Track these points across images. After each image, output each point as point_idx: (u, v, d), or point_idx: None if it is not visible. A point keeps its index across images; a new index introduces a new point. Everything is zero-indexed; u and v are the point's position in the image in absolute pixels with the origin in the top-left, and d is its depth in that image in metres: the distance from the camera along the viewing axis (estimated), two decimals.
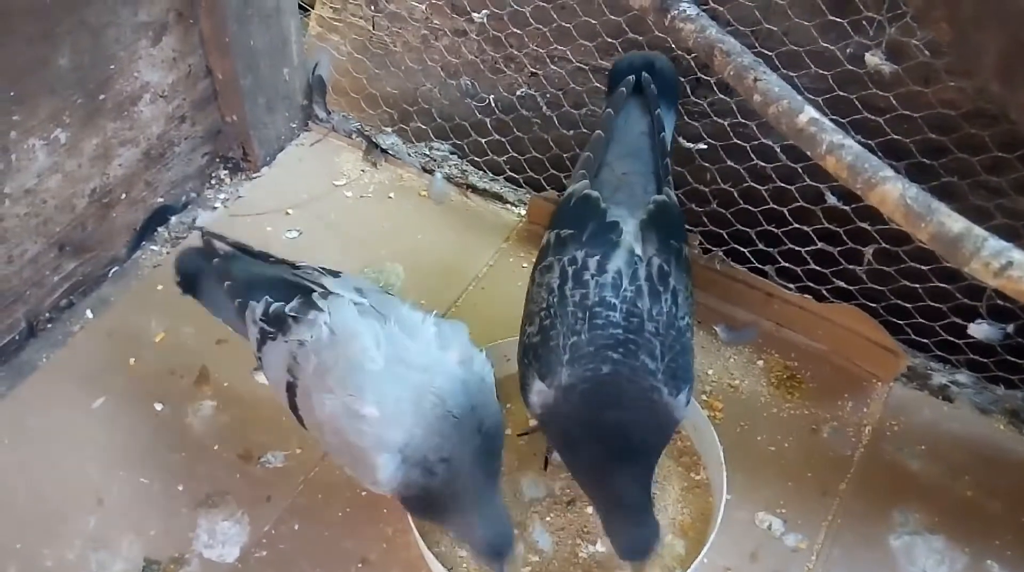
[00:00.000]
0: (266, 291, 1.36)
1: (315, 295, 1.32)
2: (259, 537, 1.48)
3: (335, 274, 1.39)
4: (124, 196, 1.83)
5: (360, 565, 1.45)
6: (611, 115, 1.47)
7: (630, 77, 1.48)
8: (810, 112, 1.07)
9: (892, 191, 0.99)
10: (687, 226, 1.79)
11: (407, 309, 1.30)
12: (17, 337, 1.72)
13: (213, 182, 2.02)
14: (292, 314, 1.31)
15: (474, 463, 1.22)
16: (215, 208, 1.98)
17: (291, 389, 1.32)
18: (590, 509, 1.47)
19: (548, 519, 1.46)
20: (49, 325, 1.76)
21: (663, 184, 1.42)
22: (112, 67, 1.68)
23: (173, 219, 1.95)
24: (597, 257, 1.33)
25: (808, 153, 1.07)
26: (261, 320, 1.34)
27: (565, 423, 1.30)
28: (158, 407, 1.63)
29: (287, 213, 1.95)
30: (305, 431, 1.36)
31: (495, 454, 1.27)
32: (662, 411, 1.28)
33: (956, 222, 0.96)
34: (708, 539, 1.37)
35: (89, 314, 1.78)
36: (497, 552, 1.25)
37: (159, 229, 1.93)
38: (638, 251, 1.34)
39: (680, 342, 1.32)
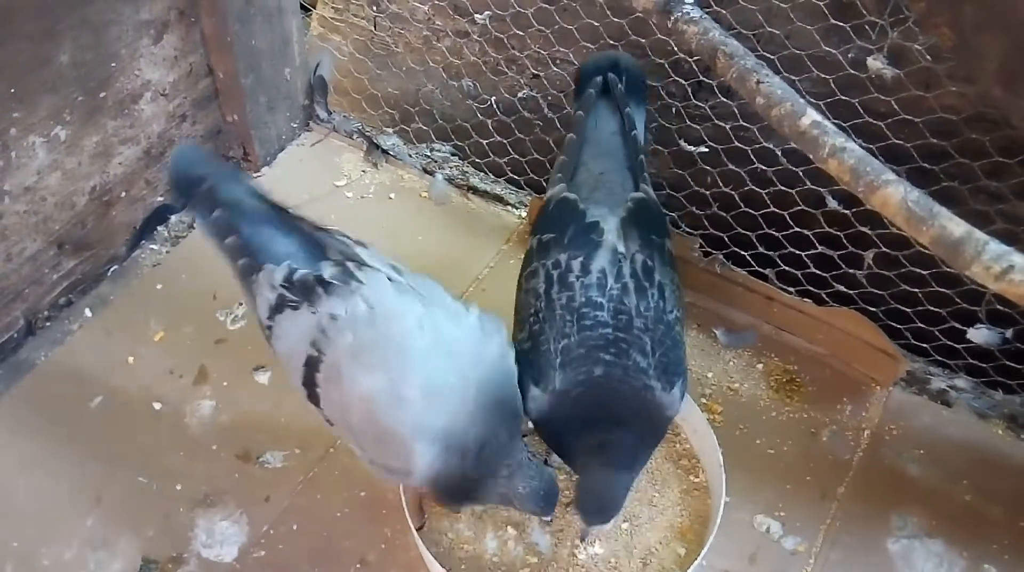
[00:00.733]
0: (281, 245, 1.26)
1: (351, 265, 1.24)
2: (258, 537, 1.47)
3: (363, 245, 1.30)
4: (124, 194, 1.83)
5: (359, 565, 1.44)
6: (582, 117, 1.48)
7: (597, 78, 1.49)
8: (812, 115, 1.07)
9: (894, 194, 1.00)
10: (687, 229, 1.80)
11: (449, 296, 1.27)
12: (16, 335, 1.71)
13: None
14: (330, 281, 1.22)
15: (506, 444, 1.22)
16: None
17: (312, 363, 1.23)
18: None
19: (547, 520, 1.46)
20: (48, 323, 1.76)
21: (640, 180, 1.43)
22: (113, 65, 1.68)
23: (173, 218, 1.94)
24: (580, 258, 1.34)
25: (810, 156, 1.07)
26: (282, 286, 1.24)
27: (560, 427, 1.31)
28: (157, 406, 1.63)
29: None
30: (307, 415, 1.29)
31: (518, 432, 1.27)
32: (655, 408, 1.29)
33: (958, 226, 0.97)
34: (707, 541, 1.37)
35: (88, 313, 1.78)
36: (548, 500, 1.26)
37: (159, 228, 1.92)
38: (621, 249, 1.35)
39: (670, 336, 1.32)
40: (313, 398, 1.27)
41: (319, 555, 1.45)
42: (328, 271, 1.24)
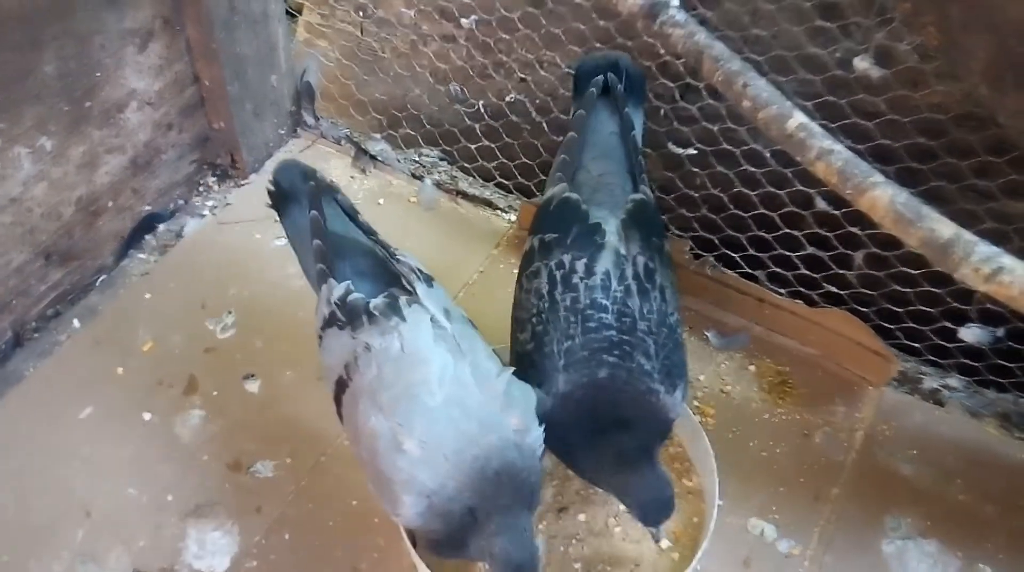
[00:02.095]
0: (352, 267, 1.29)
1: (403, 300, 1.25)
2: (249, 547, 1.46)
3: (429, 282, 1.31)
4: (111, 204, 1.81)
5: None
6: (583, 116, 1.46)
7: (598, 77, 1.48)
8: (799, 117, 1.07)
9: (882, 196, 0.99)
10: (677, 231, 1.80)
11: (485, 355, 1.25)
12: (3, 347, 1.70)
13: (201, 189, 2.01)
14: (373, 312, 1.23)
15: (500, 508, 1.18)
16: (203, 215, 1.96)
17: (341, 385, 1.26)
18: (582, 516, 1.46)
19: (540, 526, 1.45)
20: (35, 335, 1.74)
21: (639, 182, 1.42)
22: (98, 74, 1.67)
23: (161, 227, 1.93)
24: (584, 260, 1.33)
25: (798, 158, 1.07)
26: (336, 304, 1.27)
27: (564, 430, 1.29)
28: (146, 417, 1.62)
29: (276, 220, 1.91)
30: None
31: (528, 508, 1.22)
32: (660, 411, 1.29)
33: (946, 227, 0.96)
34: (701, 546, 1.36)
35: (76, 323, 1.77)
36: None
37: (146, 237, 1.91)
38: (623, 251, 1.34)
39: (672, 339, 1.32)
40: (339, 416, 1.31)
41: (311, 565, 1.45)
42: (375, 302, 1.26)
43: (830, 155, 1.04)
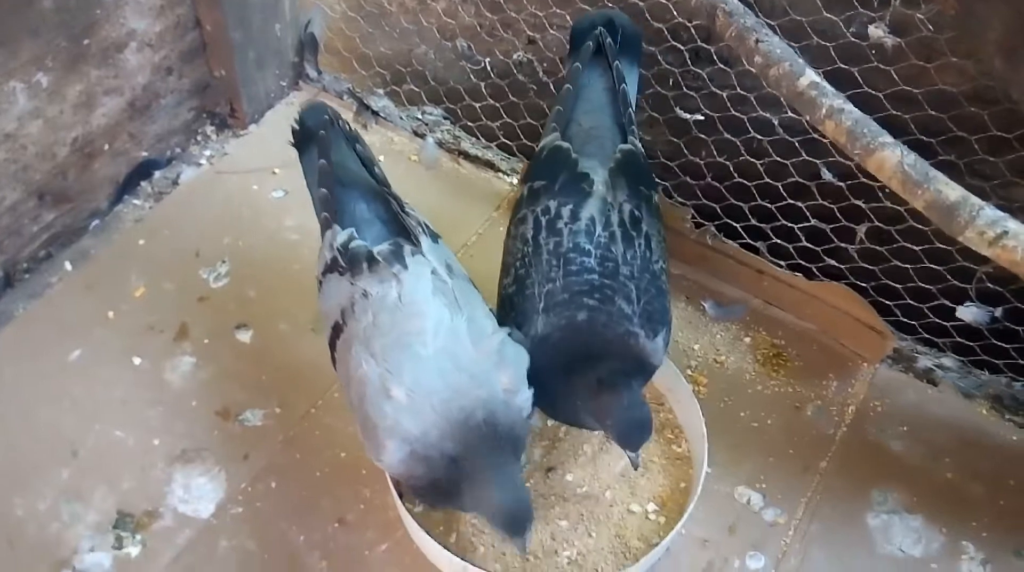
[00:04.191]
0: (362, 214, 1.30)
1: (407, 249, 1.25)
2: (235, 494, 1.46)
3: (435, 238, 1.32)
4: (107, 147, 1.79)
5: (337, 525, 1.43)
6: (579, 69, 1.47)
7: (596, 31, 1.48)
8: (811, 75, 1.05)
9: (890, 157, 0.98)
10: (680, 199, 1.78)
11: (483, 313, 1.26)
12: None
13: (199, 138, 1.98)
14: (376, 257, 1.24)
15: (486, 458, 1.18)
16: (200, 164, 1.94)
17: (336, 330, 1.27)
18: (570, 477, 1.46)
19: (527, 484, 1.44)
20: (27, 276, 1.73)
21: (628, 134, 1.42)
22: (98, 12, 1.64)
23: (157, 174, 1.91)
24: (570, 206, 1.34)
25: (807, 117, 1.05)
26: (338, 250, 1.27)
27: (542, 372, 1.28)
28: (136, 361, 1.61)
29: (274, 172, 1.91)
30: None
31: (513, 457, 1.23)
32: (639, 352, 1.29)
33: (953, 191, 0.95)
34: (687, 510, 1.36)
35: (68, 266, 1.75)
36: (518, 523, 1.20)
37: (142, 183, 1.89)
38: (609, 199, 1.35)
39: (655, 285, 1.32)
40: (333, 361, 1.31)
41: (297, 513, 1.44)
42: (380, 248, 1.26)
43: (840, 114, 1.02)
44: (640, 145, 1.43)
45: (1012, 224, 0.90)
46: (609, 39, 1.47)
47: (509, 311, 1.32)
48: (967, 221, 0.91)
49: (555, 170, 1.37)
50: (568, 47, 1.55)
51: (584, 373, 1.26)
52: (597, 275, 1.28)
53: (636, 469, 1.34)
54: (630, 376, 1.27)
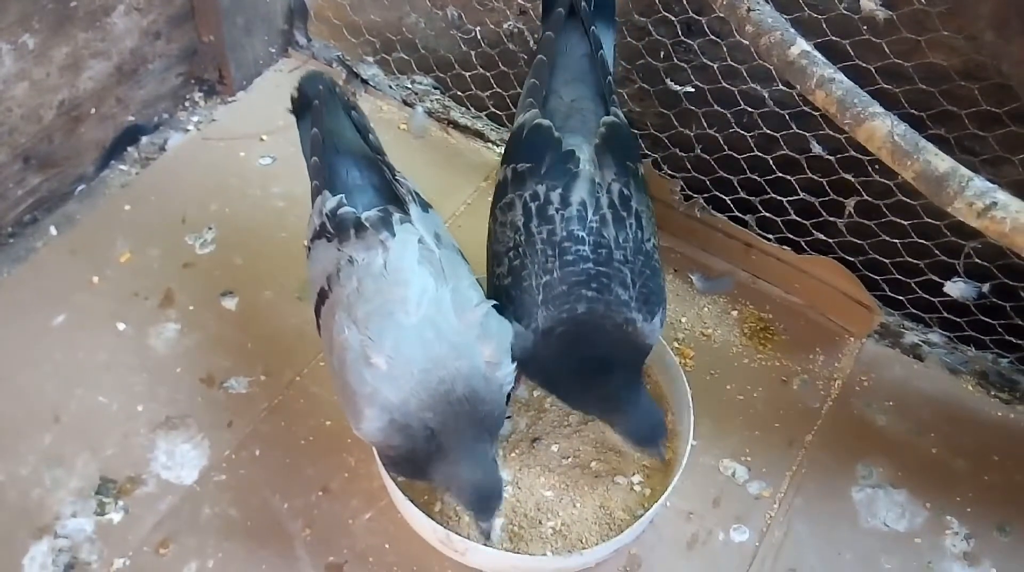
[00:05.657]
0: (354, 180, 1.31)
1: (396, 217, 1.25)
2: (219, 461, 1.45)
3: (425, 207, 1.32)
4: (93, 111, 1.77)
5: (321, 493, 1.43)
6: (551, 38, 1.43)
7: None
8: (802, 44, 1.04)
9: (880, 127, 0.97)
10: (669, 171, 1.77)
11: (468, 283, 1.26)
12: None
13: (187, 104, 1.96)
14: (364, 223, 1.24)
15: (462, 434, 1.19)
16: (187, 130, 1.92)
17: (322, 296, 1.27)
18: (555, 447, 1.46)
19: (513, 454, 1.45)
20: (11, 240, 1.71)
21: (609, 104, 1.40)
22: None
23: (144, 139, 1.89)
24: (559, 190, 1.32)
25: (797, 86, 1.04)
26: (327, 215, 1.27)
27: (546, 365, 1.31)
28: (120, 327, 1.59)
29: (261, 139, 1.89)
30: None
31: (489, 434, 1.24)
32: (637, 339, 1.30)
33: (942, 161, 0.95)
34: (671, 482, 1.36)
35: (53, 231, 1.73)
36: (485, 502, 1.22)
37: (128, 148, 1.87)
38: (597, 179, 1.33)
39: (649, 266, 1.32)
40: (318, 328, 1.30)
41: (280, 481, 1.44)
42: (369, 214, 1.26)
43: (831, 84, 1.01)
44: (623, 115, 1.41)
45: (1001, 195, 0.90)
46: (585, 3, 1.42)
47: (506, 304, 1.30)
48: (956, 192, 0.91)
49: (539, 151, 1.34)
50: (542, 12, 1.50)
51: (589, 382, 1.30)
52: (592, 263, 1.27)
53: (663, 461, 1.39)
54: (634, 381, 1.33)
